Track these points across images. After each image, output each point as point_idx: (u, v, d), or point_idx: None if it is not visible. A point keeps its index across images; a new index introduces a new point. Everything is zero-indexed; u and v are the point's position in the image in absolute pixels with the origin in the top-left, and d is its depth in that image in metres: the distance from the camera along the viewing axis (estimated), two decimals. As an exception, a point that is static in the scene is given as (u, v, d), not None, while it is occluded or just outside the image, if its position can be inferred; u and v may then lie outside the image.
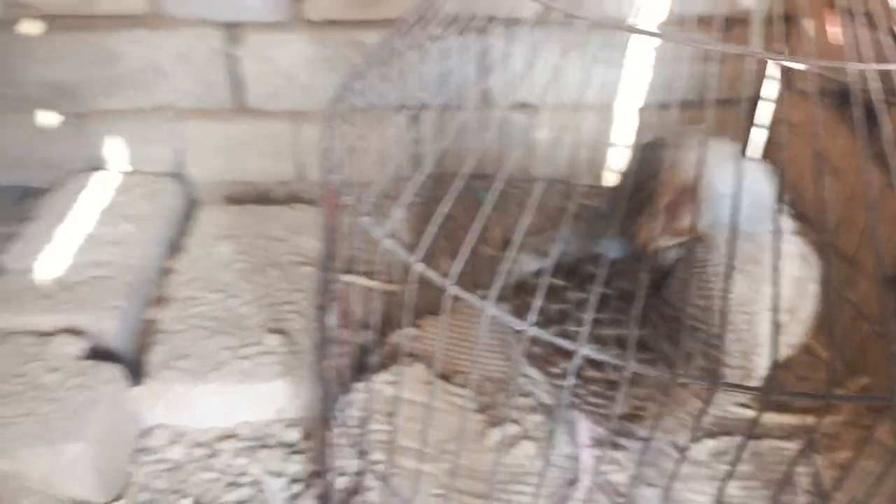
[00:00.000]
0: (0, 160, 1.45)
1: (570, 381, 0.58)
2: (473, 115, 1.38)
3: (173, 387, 1.02)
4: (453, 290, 0.58)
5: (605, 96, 1.43)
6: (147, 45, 1.39)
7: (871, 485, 0.57)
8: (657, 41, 1.33)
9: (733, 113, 1.37)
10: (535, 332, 0.56)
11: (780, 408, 1.03)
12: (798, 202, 1.23)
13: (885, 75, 0.68)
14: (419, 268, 0.59)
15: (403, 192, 0.68)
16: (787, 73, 1.25)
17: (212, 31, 1.39)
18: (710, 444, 0.98)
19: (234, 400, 1.03)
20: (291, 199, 1.49)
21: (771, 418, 1.01)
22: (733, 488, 0.93)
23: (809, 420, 1.00)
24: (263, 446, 1.01)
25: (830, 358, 1.05)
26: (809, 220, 1.18)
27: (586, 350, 0.54)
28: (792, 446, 0.98)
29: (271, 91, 1.45)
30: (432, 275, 0.59)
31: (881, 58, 0.68)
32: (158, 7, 1.37)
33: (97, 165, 1.48)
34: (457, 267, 0.58)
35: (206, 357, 1.05)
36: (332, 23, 1.40)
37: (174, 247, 1.31)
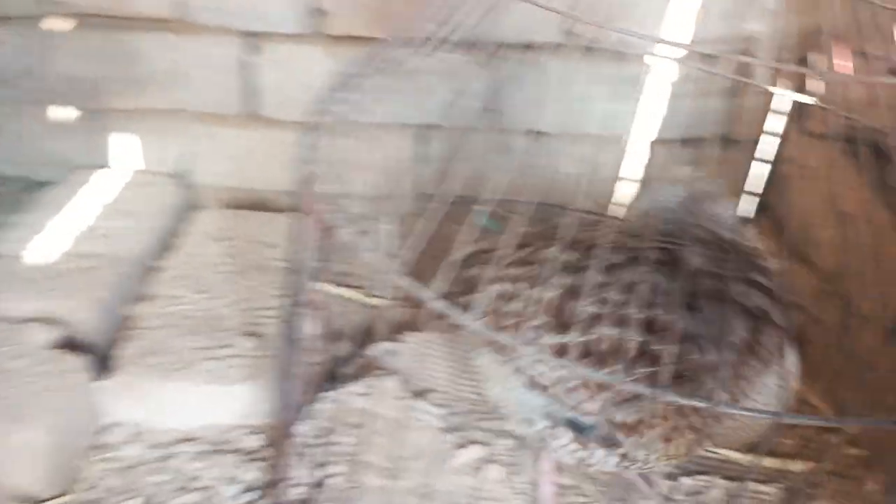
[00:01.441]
0: (12, 151, 1.47)
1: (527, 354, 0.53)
2: (481, 138, 1.36)
3: (138, 383, 0.99)
4: (435, 304, 0.54)
5: (615, 128, 1.40)
6: (170, 48, 1.40)
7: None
8: (670, 75, 1.30)
9: (737, 151, 1.33)
10: (477, 326, 0.53)
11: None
12: (806, 246, 1.17)
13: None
14: (401, 281, 0.56)
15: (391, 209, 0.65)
16: (796, 112, 1.20)
17: (233, 38, 1.40)
18: (687, 482, 0.92)
19: (198, 401, 0.99)
20: (294, 208, 1.48)
21: (753, 460, 0.95)
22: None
23: (793, 465, 0.94)
24: (221, 451, 0.97)
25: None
26: (817, 267, 1.13)
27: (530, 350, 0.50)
28: (771, 490, 0.91)
29: (285, 101, 1.45)
30: (414, 287, 0.56)
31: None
32: (184, 12, 1.38)
33: (106, 162, 1.49)
34: (440, 282, 0.55)
35: (176, 355, 1.02)
36: (353, 38, 1.40)
37: (167, 246, 1.31)
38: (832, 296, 0.99)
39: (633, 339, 0.68)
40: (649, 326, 0.69)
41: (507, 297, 0.78)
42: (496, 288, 0.79)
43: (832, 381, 0.96)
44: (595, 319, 0.71)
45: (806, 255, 1.14)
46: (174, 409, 1.00)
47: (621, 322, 0.70)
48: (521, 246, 0.80)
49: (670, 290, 0.70)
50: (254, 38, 1.40)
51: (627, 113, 1.37)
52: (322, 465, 0.89)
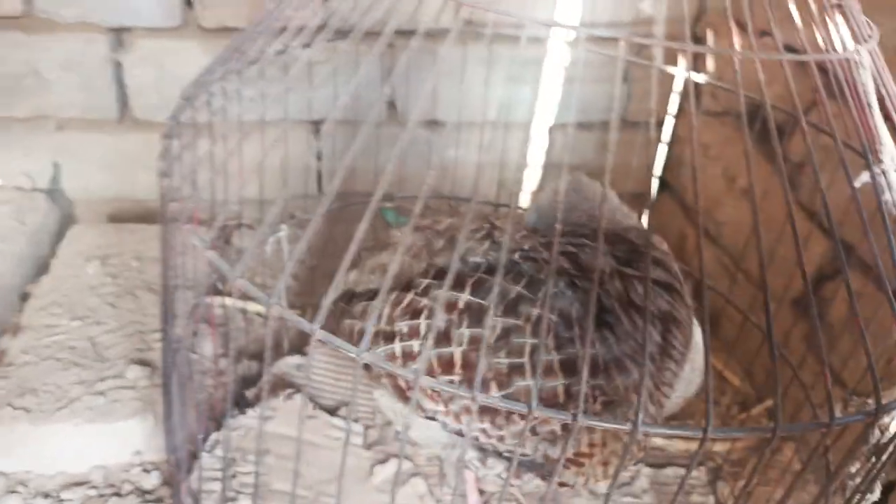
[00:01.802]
0: None
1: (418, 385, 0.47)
2: (376, 130, 1.30)
3: (13, 427, 0.89)
4: (319, 334, 0.48)
5: (515, 114, 1.37)
6: (24, 49, 1.27)
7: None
8: (566, 59, 1.28)
9: (642, 133, 1.34)
10: (369, 358, 0.47)
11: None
12: (713, 226, 1.18)
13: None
14: (277, 311, 0.49)
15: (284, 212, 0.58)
16: (694, 90, 1.21)
17: (97, 35, 1.28)
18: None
19: (86, 441, 0.90)
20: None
21: (674, 445, 0.95)
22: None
23: (716, 446, 0.95)
24: (116, 494, 0.88)
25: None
26: (725, 245, 1.14)
27: (425, 380, 0.46)
28: (696, 474, 0.91)
29: (161, 102, 1.34)
30: (293, 317, 0.49)
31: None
32: (35, 8, 1.25)
33: (-39, 181, 1.34)
34: (323, 311, 0.48)
35: (54, 393, 0.92)
36: (229, 30, 1.31)
37: (38, 269, 1.19)
38: (741, 274, 1.00)
39: (555, 384, 0.65)
40: (569, 366, 0.66)
41: (404, 357, 0.71)
42: (389, 347, 0.71)
43: (748, 358, 0.97)
44: (511, 373, 0.66)
45: (713, 234, 1.15)
46: (58, 453, 0.90)
47: (538, 370, 0.66)
48: (407, 287, 0.73)
49: (582, 315, 0.67)
50: (121, 33, 1.29)
51: (526, 99, 1.34)
52: (229, 500, 0.82)
